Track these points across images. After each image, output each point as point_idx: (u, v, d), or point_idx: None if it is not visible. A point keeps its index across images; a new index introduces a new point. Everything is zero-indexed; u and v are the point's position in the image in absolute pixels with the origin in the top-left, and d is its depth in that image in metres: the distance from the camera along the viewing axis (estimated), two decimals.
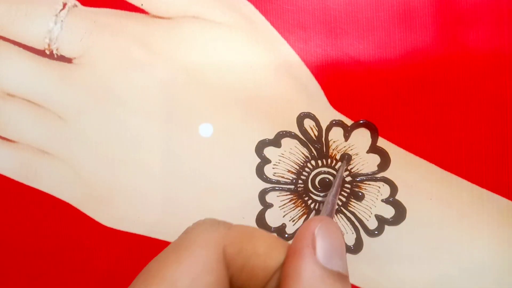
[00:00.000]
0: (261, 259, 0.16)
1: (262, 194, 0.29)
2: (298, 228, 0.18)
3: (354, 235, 0.29)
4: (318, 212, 0.29)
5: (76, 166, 0.29)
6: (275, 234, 0.17)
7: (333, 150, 0.29)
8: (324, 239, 0.17)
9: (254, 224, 0.29)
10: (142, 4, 0.29)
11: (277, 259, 0.16)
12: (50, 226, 0.30)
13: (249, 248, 0.17)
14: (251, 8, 0.29)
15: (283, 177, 0.29)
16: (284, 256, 0.16)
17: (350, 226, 0.29)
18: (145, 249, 0.29)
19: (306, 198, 0.29)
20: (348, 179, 0.29)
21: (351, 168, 0.29)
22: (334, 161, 0.29)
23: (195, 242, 0.17)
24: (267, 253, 0.17)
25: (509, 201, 0.29)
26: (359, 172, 0.29)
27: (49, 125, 0.29)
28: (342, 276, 0.16)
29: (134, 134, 0.29)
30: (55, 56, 0.29)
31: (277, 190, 0.29)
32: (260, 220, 0.29)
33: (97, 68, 0.29)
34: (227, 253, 0.16)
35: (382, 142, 0.29)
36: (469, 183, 0.29)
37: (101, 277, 0.30)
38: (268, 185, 0.29)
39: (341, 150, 0.29)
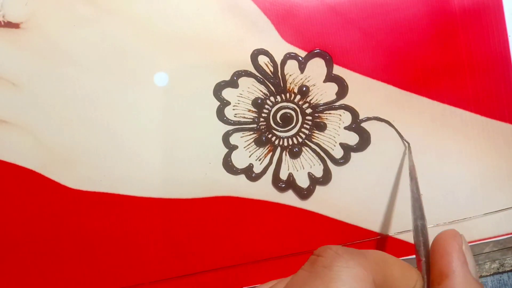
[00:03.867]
0: (399, 284, 0.18)
1: (226, 137, 0.29)
2: (436, 241, 0.19)
3: (322, 166, 0.29)
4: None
5: (35, 131, 0.29)
6: (397, 258, 0.19)
7: (290, 83, 0.29)
8: (471, 255, 0.19)
9: (221, 168, 0.29)
10: None
11: (411, 281, 0.18)
12: (17, 196, 0.29)
13: (389, 275, 0.17)
14: None
15: (244, 117, 0.29)
16: (415, 278, 0.18)
17: (317, 158, 0.29)
18: (113, 206, 0.29)
19: (269, 136, 0.29)
20: (309, 111, 0.29)
21: (310, 100, 0.29)
22: (293, 95, 0.29)
23: (347, 281, 0.16)
24: (403, 276, 0.18)
25: (472, 114, 0.29)
26: (319, 103, 0.29)
27: (3, 93, 0.29)
28: (482, 285, 0.18)
29: (89, 92, 0.29)
30: (2, 23, 0.29)
31: (240, 131, 0.29)
32: (227, 163, 0.29)
33: (45, 30, 0.29)
34: (376, 285, 0.17)
35: (338, 70, 0.29)
36: (429, 100, 0.29)
37: (74, 239, 0.29)
38: (230, 127, 0.29)
39: (298, 83, 0.29)
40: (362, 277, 0.16)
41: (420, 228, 0.22)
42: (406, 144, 0.29)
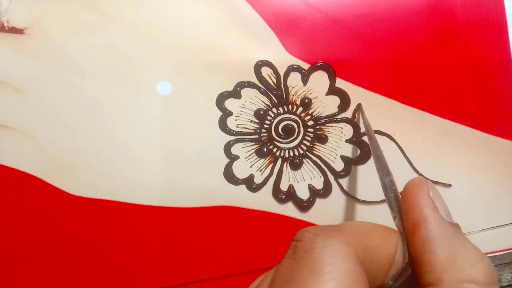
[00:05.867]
0: (382, 250, 0.17)
1: (227, 147, 0.29)
2: (403, 194, 0.19)
3: (322, 179, 0.29)
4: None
5: (37, 137, 0.29)
6: (375, 223, 0.19)
7: (292, 95, 0.29)
8: (440, 200, 0.18)
9: (221, 177, 0.29)
10: None
11: (392, 244, 0.18)
12: (18, 201, 0.29)
13: (370, 244, 0.17)
14: None
15: (246, 127, 0.29)
16: (395, 240, 0.18)
17: (317, 170, 0.29)
18: (114, 213, 0.29)
19: (271, 147, 0.29)
20: (311, 123, 0.29)
21: (312, 112, 0.29)
22: (295, 107, 0.29)
23: (329, 260, 0.16)
24: (383, 242, 0.18)
25: (473, 130, 0.29)
26: (321, 115, 0.29)
27: (7, 99, 0.29)
28: (457, 225, 0.18)
29: (92, 99, 0.29)
30: (6, 28, 0.29)
31: (241, 141, 0.29)
32: (227, 173, 0.29)
33: (49, 36, 0.29)
34: (358, 257, 0.16)
35: (340, 83, 0.29)
36: (431, 116, 0.29)
37: (74, 246, 0.29)
38: (232, 137, 0.29)
39: (301, 95, 0.29)
40: (343, 253, 0.16)
41: (388, 184, 0.21)
42: (357, 107, 0.29)
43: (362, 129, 0.29)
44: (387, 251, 0.17)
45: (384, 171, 0.22)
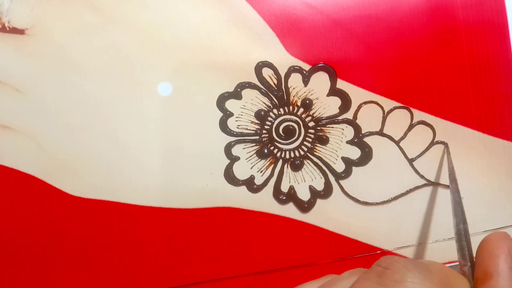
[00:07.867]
0: None
1: (228, 148, 0.29)
2: (484, 243, 0.19)
3: (323, 180, 0.29)
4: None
5: (38, 137, 0.29)
6: (447, 266, 0.19)
7: (293, 96, 0.29)
8: None
9: (222, 178, 0.29)
10: None
11: None
12: (18, 201, 0.29)
13: (451, 287, 0.18)
14: None
15: (247, 128, 0.29)
16: (468, 287, 0.19)
17: (318, 171, 0.29)
18: (114, 214, 0.29)
19: (272, 148, 0.29)
20: (311, 124, 0.29)
21: (313, 113, 0.29)
22: (296, 108, 0.29)
23: None
24: (459, 287, 0.19)
25: (474, 131, 0.29)
26: (321, 116, 0.29)
27: (7, 99, 0.29)
28: None
29: (93, 100, 0.29)
30: (7, 29, 0.29)
31: (242, 142, 0.29)
32: (228, 174, 0.29)
33: (50, 37, 0.29)
34: None
35: (341, 84, 0.29)
36: (432, 117, 0.29)
37: (73, 246, 0.29)
38: (232, 138, 0.29)
39: (302, 96, 0.29)
40: None
41: (463, 232, 0.22)
42: (443, 146, 0.29)
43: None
44: None
45: (460, 218, 0.23)
